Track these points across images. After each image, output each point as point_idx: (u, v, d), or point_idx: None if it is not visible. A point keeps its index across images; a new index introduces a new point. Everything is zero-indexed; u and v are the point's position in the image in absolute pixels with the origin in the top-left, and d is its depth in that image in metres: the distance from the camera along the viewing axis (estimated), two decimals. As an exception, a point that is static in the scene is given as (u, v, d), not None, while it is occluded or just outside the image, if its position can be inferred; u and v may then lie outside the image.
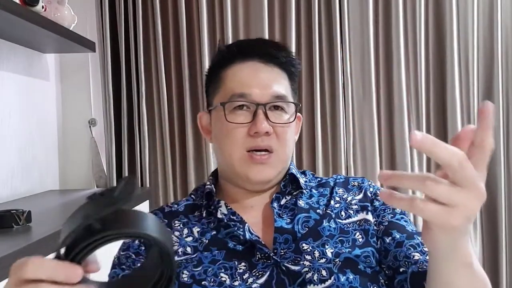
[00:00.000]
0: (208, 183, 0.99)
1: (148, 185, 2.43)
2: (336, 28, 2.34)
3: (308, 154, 2.38)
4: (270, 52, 0.97)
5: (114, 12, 2.41)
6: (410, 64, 2.36)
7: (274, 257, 0.87)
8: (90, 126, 2.49)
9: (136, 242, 0.92)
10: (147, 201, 2.29)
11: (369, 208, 0.95)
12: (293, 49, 2.35)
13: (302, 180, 0.99)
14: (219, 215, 0.93)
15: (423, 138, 0.51)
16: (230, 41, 2.36)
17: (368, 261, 0.89)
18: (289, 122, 0.95)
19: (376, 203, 0.97)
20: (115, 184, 2.42)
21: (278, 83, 0.95)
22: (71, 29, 2.03)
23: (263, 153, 0.92)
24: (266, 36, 2.35)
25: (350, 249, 0.89)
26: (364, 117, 2.37)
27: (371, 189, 0.99)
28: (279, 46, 1.00)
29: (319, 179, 1.04)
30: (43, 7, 1.79)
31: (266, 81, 0.94)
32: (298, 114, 1.02)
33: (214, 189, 0.97)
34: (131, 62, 2.42)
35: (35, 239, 1.25)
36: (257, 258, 0.87)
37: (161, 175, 2.45)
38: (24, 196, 2.04)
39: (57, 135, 2.41)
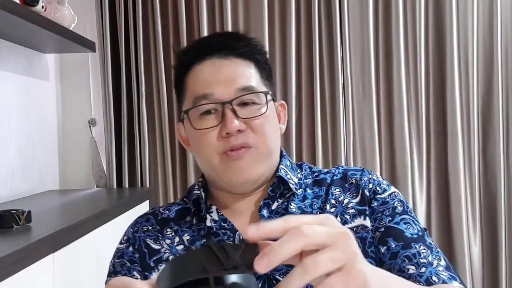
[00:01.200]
0: (196, 187, 0.94)
1: (148, 185, 2.43)
2: (336, 28, 2.34)
3: (308, 153, 2.38)
4: (227, 44, 0.90)
5: (114, 12, 2.41)
6: (410, 64, 2.36)
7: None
8: (90, 126, 2.49)
9: (130, 248, 0.89)
10: (147, 201, 2.29)
11: (367, 212, 0.88)
12: (293, 49, 2.36)
13: (295, 179, 0.92)
14: (208, 223, 0.88)
15: (258, 228, 0.48)
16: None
17: None
18: (262, 114, 0.87)
19: (374, 204, 0.88)
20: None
21: (242, 75, 0.88)
22: (71, 29, 2.04)
23: (240, 149, 0.85)
24: (266, 36, 2.35)
25: None
26: (364, 117, 2.37)
27: (370, 186, 0.90)
28: (236, 36, 0.94)
29: (317, 173, 0.95)
30: (43, 7, 1.79)
31: (228, 76, 0.87)
32: (282, 101, 0.97)
33: (203, 194, 0.91)
34: (131, 62, 2.42)
35: (35, 239, 1.25)
36: None
37: (161, 175, 2.45)
38: (24, 196, 2.04)
39: (57, 135, 2.42)
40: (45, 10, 1.82)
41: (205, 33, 2.36)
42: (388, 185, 0.92)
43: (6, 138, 1.96)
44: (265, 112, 0.87)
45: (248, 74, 0.89)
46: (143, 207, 2.22)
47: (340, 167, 0.96)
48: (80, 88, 2.49)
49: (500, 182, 2.31)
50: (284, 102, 0.97)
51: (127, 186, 2.44)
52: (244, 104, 0.87)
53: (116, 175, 2.43)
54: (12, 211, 1.39)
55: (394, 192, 0.90)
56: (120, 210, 1.88)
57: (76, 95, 2.49)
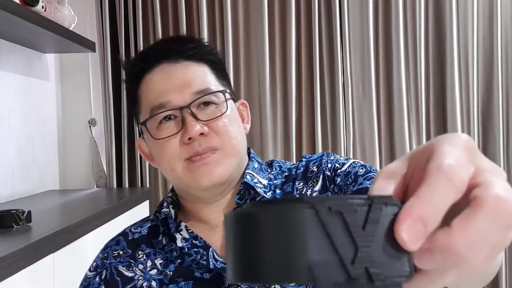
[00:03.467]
0: (165, 204, 0.89)
1: (148, 185, 2.43)
2: (336, 28, 2.34)
3: (308, 153, 2.38)
4: (175, 48, 0.86)
5: (114, 12, 2.41)
6: (410, 64, 2.36)
7: (242, 285, 0.79)
8: (90, 126, 2.49)
9: (97, 279, 0.86)
10: (147, 201, 2.29)
11: (336, 190, 0.84)
12: (293, 49, 2.36)
13: (264, 181, 0.88)
14: (179, 243, 0.83)
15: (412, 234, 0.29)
16: (230, 42, 2.37)
17: None
18: (222, 114, 0.83)
19: (338, 179, 0.84)
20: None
21: (196, 77, 0.84)
22: (71, 29, 2.04)
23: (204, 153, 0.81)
24: (266, 36, 2.35)
25: None
26: (364, 116, 2.37)
27: (329, 166, 0.87)
28: (184, 39, 0.91)
29: (286, 173, 0.91)
30: (43, 7, 1.79)
31: (181, 80, 0.83)
32: (243, 101, 0.93)
33: (171, 212, 0.86)
34: (131, 62, 2.42)
35: (35, 239, 1.25)
36: (226, 284, 0.80)
37: (161, 175, 2.45)
38: (24, 196, 2.04)
39: (57, 135, 2.42)
40: (45, 10, 1.82)
41: (205, 33, 2.36)
42: (346, 159, 0.89)
43: (6, 138, 1.96)
44: (225, 111, 0.83)
45: (202, 76, 0.85)
46: (143, 207, 2.22)
47: (304, 159, 0.92)
48: (80, 88, 2.49)
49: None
50: (245, 101, 0.94)
51: (127, 186, 2.44)
52: (203, 105, 0.83)
53: (116, 175, 2.43)
54: (12, 211, 1.39)
55: (353, 161, 0.87)
56: (120, 210, 1.89)
57: (76, 95, 2.49)
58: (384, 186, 0.32)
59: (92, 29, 2.44)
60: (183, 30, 2.37)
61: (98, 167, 2.46)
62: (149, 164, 2.43)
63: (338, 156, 0.91)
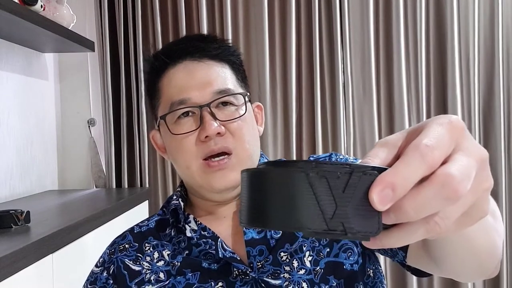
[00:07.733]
0: (174, 197, 0.91)
1: (147, 185, 2.42)
2: (336, 27, 2.33)
3: (308, 153, 2.37)
4: (200, 46, 0.88)
5: (113, 11, 2.41)
6: (410, 63, 2.35)
7: (251, 274, 0.81)
8: (89, 126, 2.48)
9: (104, 274, 0.87)
10: (147, 201, 2.28)
11: None
12: (293, 49, 2.35)
13: None
14: (188, 234, 0.85)
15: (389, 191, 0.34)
16: (230, 41, 2.36)
17: (350, 253, 0.82)
18: (241, 116, 0.85)
19: None
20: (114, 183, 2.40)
21: (218, 77, 0.86)
22: (70, 28, 2.03)
23: (220, 157, 0.83)
24: (267, 37, 2.35)
25: (328, 249, 0.83)
26: (365, 116, 2.36)
27: None
28: (208, 38, 0.92)
29: None
30: (42, 6, 1.79)
31: (203, 79, 0.85)
32: (258, 103, 0.96)
33: (181, 204, 0.88)
34: (130, 62, 2.41)
35: (34, 239, 1.25)
36: (234, 275, 0.82)
37: (161, 175, 2.44)
38: (23, 196, 2.04)
39: (56, 135, 2.41)
40: (44, 10, 1.81)
41: (205, 33, 2.36)
42: (355, 159, 0.92)
43: (5, 138, 1.95)
44: (244, 113, 0.86)
45: (223, 76, 0.87)
46: (143, 207, 2.21)
47: (311, 158, 0.94)
48: (79, 88, 2.49)
49: (501, 182, 2.31)
50: (260, 104, 0.96)
51: (126, 186, 2.43)
52: (222, 104, 0.85)
53: (115, 175, 2.42)
54: (11, 212, 1.38)
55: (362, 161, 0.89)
56: (120, 210, 1.88)
57: (75, 95, 2.48)
58: (377, 152, 0.38)
59: (91, 28, 2.43)
60: (183, 30, 2.36)
61: (97, 167, 2.45)
62: (148, 164, 2.42)
63: (347, 156, 0.93)
